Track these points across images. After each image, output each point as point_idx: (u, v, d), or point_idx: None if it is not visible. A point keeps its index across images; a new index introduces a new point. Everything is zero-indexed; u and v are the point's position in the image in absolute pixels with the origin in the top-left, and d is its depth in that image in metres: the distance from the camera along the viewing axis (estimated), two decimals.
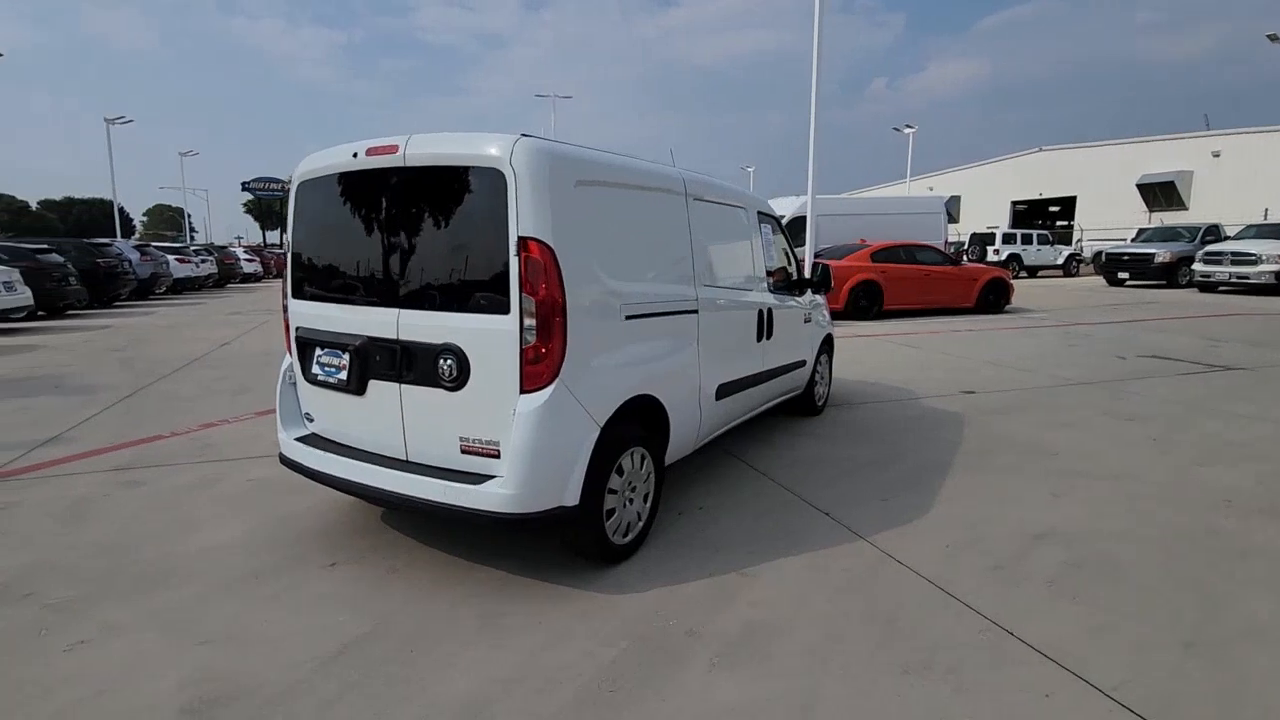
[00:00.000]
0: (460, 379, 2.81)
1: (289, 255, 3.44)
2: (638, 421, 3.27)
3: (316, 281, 3.29)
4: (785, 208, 16.19)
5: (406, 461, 3.04)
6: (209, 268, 24.38)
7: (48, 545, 3.39)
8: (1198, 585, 3.02)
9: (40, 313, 13.89)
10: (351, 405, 3.18)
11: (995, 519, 3.75)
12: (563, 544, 3.21)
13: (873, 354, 9.34)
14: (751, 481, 4.35)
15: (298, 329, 3.37)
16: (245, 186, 46.48)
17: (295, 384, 3.47)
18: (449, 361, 2.81)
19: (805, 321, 5.40)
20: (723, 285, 4.02)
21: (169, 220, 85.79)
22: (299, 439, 3.36)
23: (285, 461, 3.41)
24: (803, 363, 5.39)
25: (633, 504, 3.27)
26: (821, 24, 11.50)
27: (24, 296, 12.19)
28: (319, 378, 3.25)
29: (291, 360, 3.46)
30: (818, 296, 5.76)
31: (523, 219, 2.65)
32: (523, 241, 2.65)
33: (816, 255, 14.28)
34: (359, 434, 3.22)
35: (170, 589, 2.97)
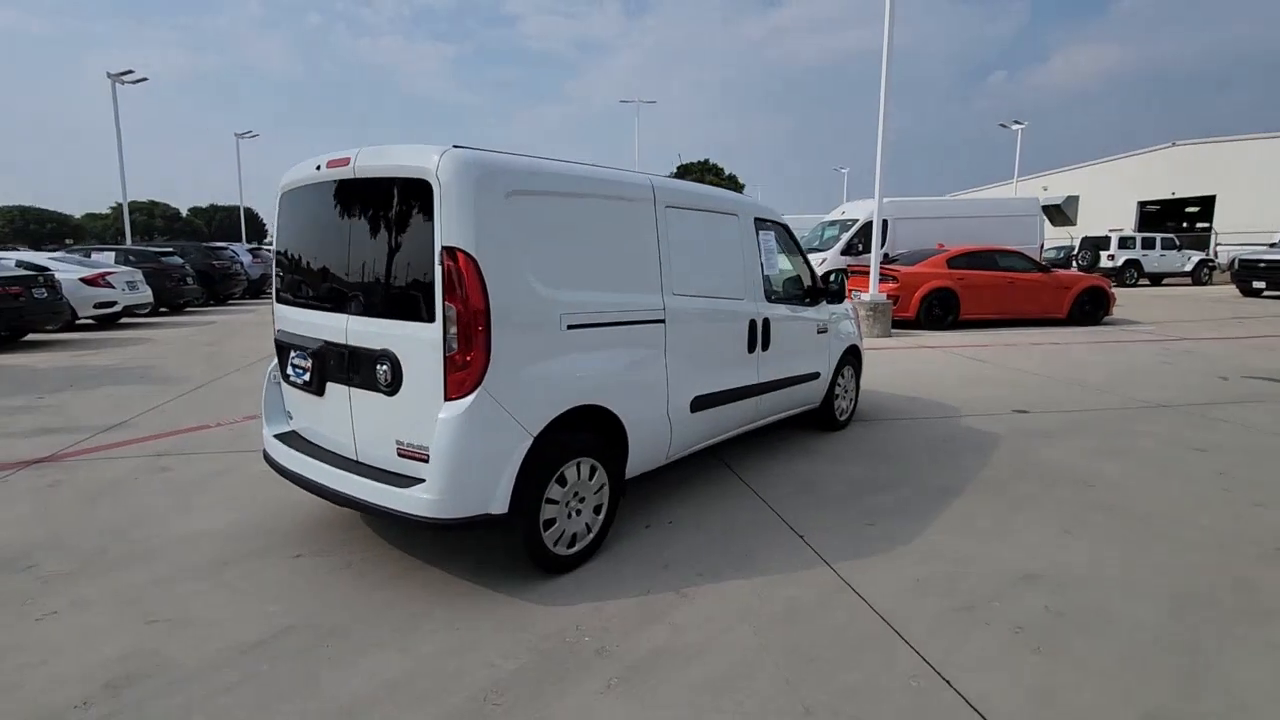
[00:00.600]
0: (395, 384, 2.89)
1: (273, 262, 3.65)
2: (586, 431, 3.23)
3: (291, 287, 3.48)
4: (858, 211, 15.56)
5: (357, 463, 3.15)
6: None
7: (67, 522, 3.77)
8: (1193, 647, 2.64)
9: (162, 309, 15.49)
10: (315, 406, 3.34)
11: (987, 553, 3.44)
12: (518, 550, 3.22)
13: (930, 367, 8.80)
14: (737, 497, 4.20)
15: (278, 331, 3.57)
16: None
17: (279, 383, 3.68)
18: (385, 367, 2.89)
19: (819, 332, 5.16)
20: (701, 294, 3.90)
21: None
22: (278, 435, 3.56)
23: (265, 457, 3.62)
24: (816, 375, 5.15)
25: (580, 515, 3.24)
26: (893, 18, 10.96)
27: (145, 295, 13.61)
28: (291, 378, 3.44)
29: (275, 361, 3.67)
30: (839, 306, 5.49)
31: (447, 229, 2.69)
32: (447, 251, 2.69)
33: (887, 261, 13.64)
34: (323, 433, 3.37)
35: (145, 569, 3.22)
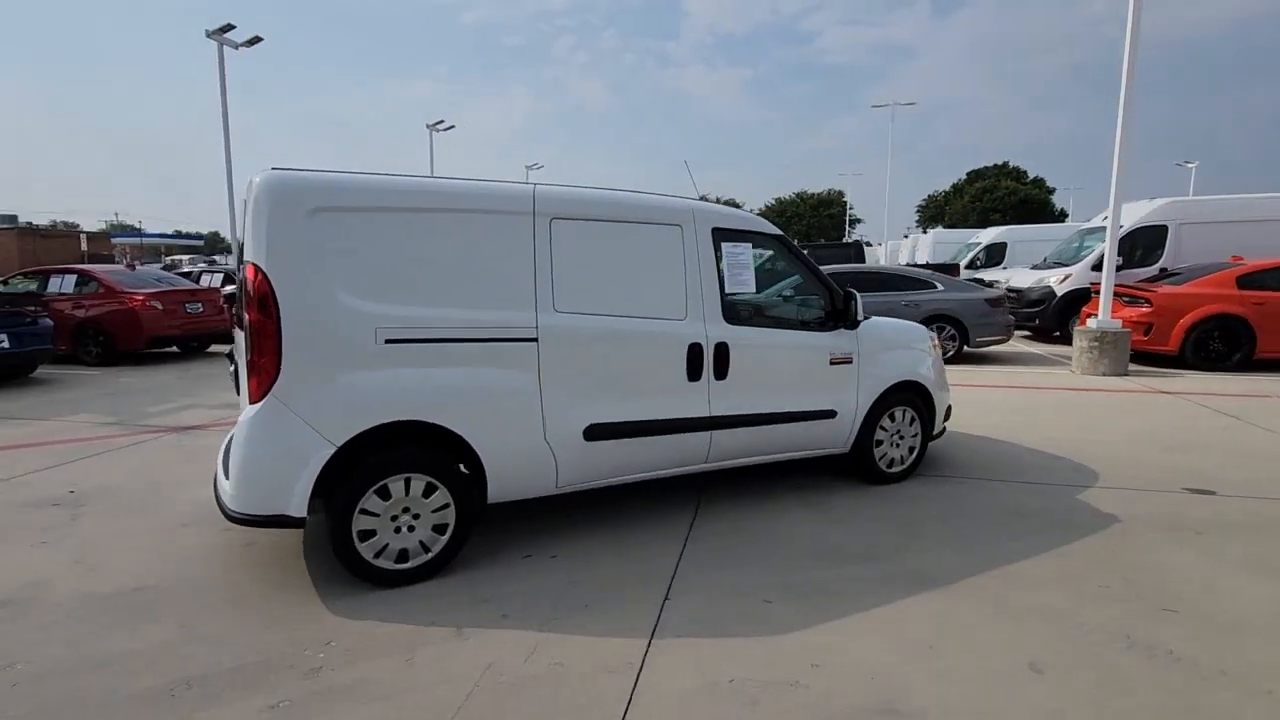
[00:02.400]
0: (238, 386, 3.19)
1: None
2: (418, 447, 3.18)
3: None
4: (1125, 215, 12.38)
5: None
6: None
7: (146, 475, 4.83)
8: None
9: None
10: None
11: (872, 669, 2.57)
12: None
13: (1137, 419, 6.67)
14: (659, 541, 3.72)
15: None
16: None
17: None
18: (232, 369, 3.22)
19: (835, 363, 4.28)
20: (608, 313, 3.55)
21: None
22: None
23: None
24: (830, 414, 4.30)
25: (413, 531, 3.20)
26: None
27: None
28: None
29: None
30: (878, 332, 4.51)
31: (246, 245, 2.91)
32: (248, 265, 2.90)
33: (1152, 279, 10.68)
34: None
35: (131, 521, 3.99)
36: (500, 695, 2.42)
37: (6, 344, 8.02)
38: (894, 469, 4.68)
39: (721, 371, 3.86)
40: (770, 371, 4.07)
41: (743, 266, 3.97)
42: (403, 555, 3.20)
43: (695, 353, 3.77)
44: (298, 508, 2.98)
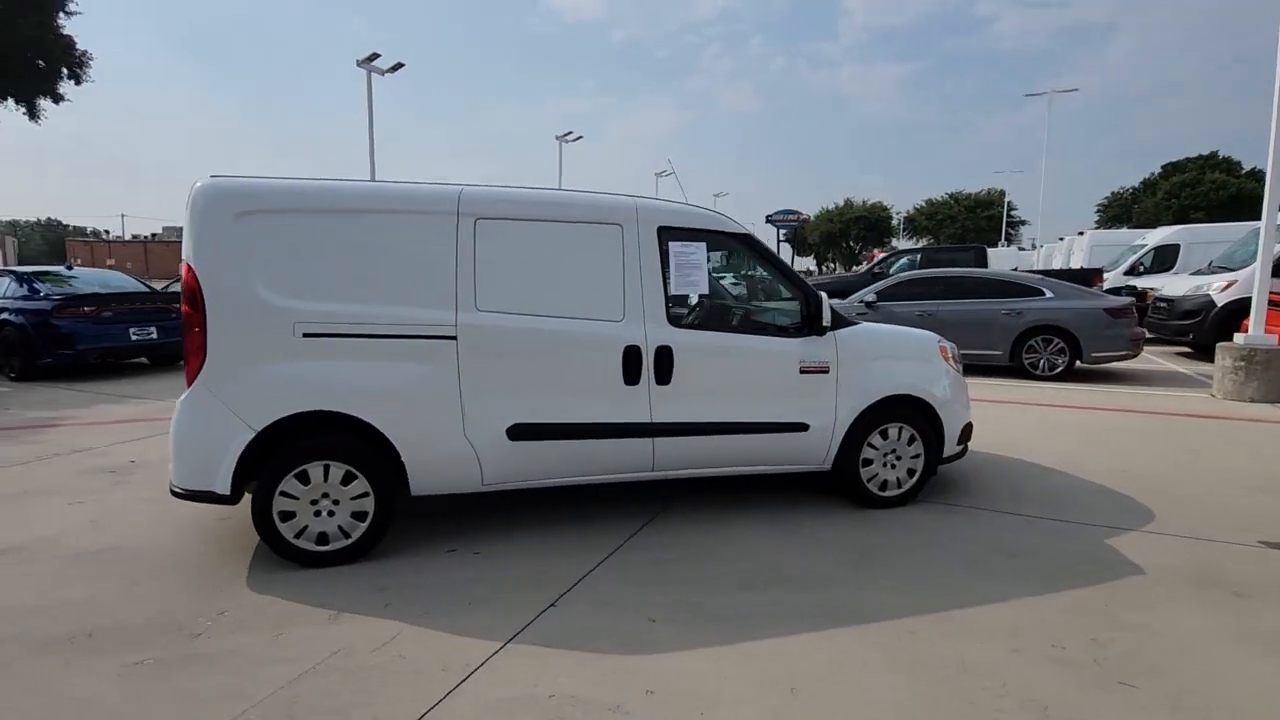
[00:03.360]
0: None
1: None
2: (336, 436, 3.34)
3: None
4: None
5: None
6: None
7: None
8: None
9: None
10: None
11: (703, 705, 2.36)
12: None
13: (1249, 451, 5.52)
14: (586, 548, 3.62)
15: None
16: (769, 220, 52.67)
17: None
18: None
19: (806, 372, 3.92)
20: (536, 313, 3.51)
21: None
22: None
23: None
24: (802, 427, 3.95)
25: (332, 516, 3.36)
26: None
27: None
28: None
29: None
30: (871, 340, 4.08)
31: (184, 245, 3.22)
32: (183, 263, 3.22)
33: None
34: None
35: (156, 489, 4.52)
36: (327, 679, 2.48)
37: (155, 335, 9.46)
38: (888, 492, 4.22)
39: (664, 376, 3.69)
40: (724, 378, 3.83)
41: (693, 267, 3.78)
42: (323, 538, 3.37)
43: (632, 355, 3.64)
44: (223, 485, 3.24)
